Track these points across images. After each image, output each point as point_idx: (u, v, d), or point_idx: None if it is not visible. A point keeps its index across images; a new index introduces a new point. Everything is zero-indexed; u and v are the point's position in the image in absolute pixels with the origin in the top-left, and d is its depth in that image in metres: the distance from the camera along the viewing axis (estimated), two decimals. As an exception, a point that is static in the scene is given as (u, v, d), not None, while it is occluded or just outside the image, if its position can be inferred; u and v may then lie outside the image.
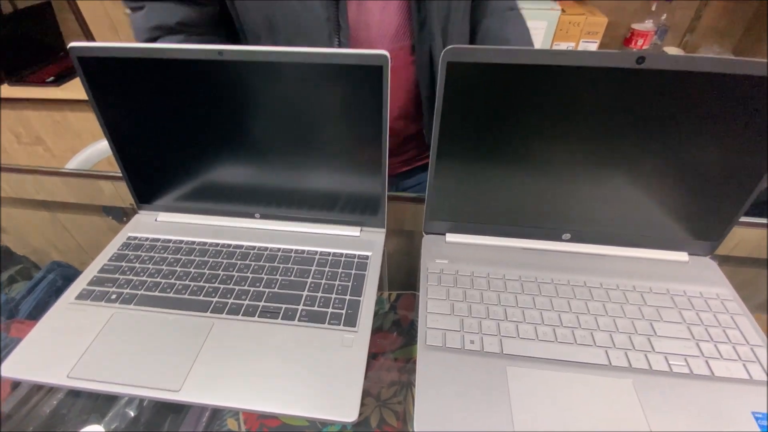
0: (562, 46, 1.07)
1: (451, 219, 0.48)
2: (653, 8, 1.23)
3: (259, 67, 0.39)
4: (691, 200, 0.43)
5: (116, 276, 0.44)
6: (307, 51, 0.37)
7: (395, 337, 0.40)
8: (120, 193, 0.62)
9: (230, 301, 0.41)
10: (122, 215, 0.60)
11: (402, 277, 0.50)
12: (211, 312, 0.40)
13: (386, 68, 0.37)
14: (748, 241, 0.55)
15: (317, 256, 0.46)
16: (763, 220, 0.56)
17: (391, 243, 0.52)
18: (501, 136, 0.41)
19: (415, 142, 0.67)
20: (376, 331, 0.41)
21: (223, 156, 0.46)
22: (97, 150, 0.73)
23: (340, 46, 0.50)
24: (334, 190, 0.47)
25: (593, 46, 1.06)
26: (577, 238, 0.47)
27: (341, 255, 0.46)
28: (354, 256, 0.46)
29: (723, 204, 0.43)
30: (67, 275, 0.49)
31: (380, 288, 0.46)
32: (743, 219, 0.55)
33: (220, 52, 0.38)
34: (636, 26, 1.27)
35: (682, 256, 0.46)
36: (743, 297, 0.42)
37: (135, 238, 0.49)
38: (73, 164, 0.72)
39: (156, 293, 0.42)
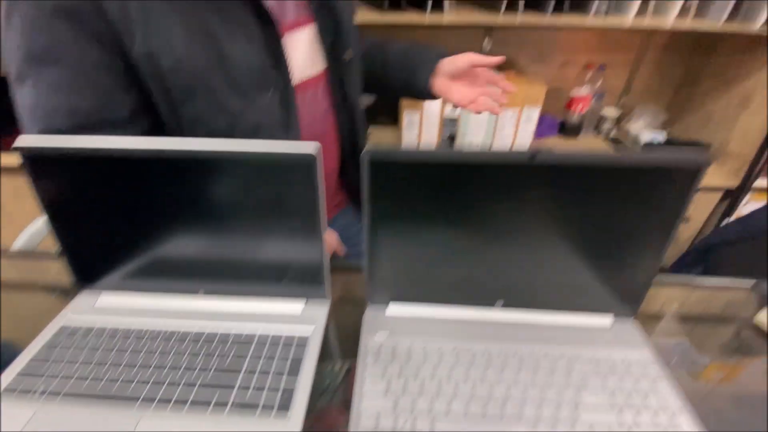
0: (509, 112, 1.17)
1: (390, 291, 0.50)
2: (587, 78, 1.38)
3: (195, 160, 0.41)
4: (607, 268, 0.46)
5: (44, 368, 0.42)
6: (240, 145, 0.40)
7: (345, 415, 0.40)
8: (65, 272, 0.61)
9: (162, 389, 0.40)
10: (66, 295, 0.59)
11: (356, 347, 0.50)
12: (139, 405, 0.39)
13: (316, 161, 0.41)
14: (673, 297, 0.59)
15: (257, 336, 0.46)
16: (680, 278, 0.61)
17: (345, 310, 0.53)
18: (426, 221, 0.44)
19: (336, 184, 0.71)
20: (324, 408, 0.41)
21: (166, 235, 0.47)
22: (41, 228, 0.73)
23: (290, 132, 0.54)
24: (276, 264, 0.49)
25: (535, 112, 1.16)
26: (510, 304, 0.50)
27: (281, 334, 0.46)
28: (294, 335, 0.46)
29: (637, 270, 0.46)
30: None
31: (331, 360, 0.46)
32: (663, 279, 0.60)
33: (157, 147, 0.40)
34: (574, 92, 1.41)
35: (608, 318, 0.49)
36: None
37: (70, 324, 0.48)
38: (21, 240, 0.71)
39: (83, 388, 0.40)
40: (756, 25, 1.06)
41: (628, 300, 0.48)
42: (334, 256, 0.60)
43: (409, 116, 1.16)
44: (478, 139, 1.24)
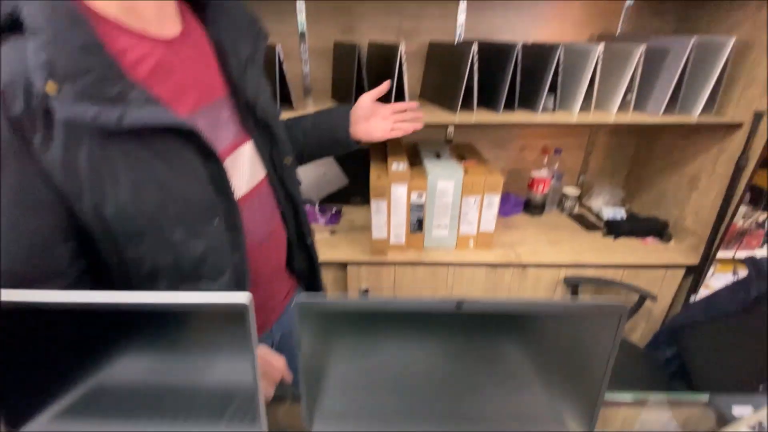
0: (470, 199, 1.22)
1: (328, 420, 0.48)
2: (545, 161, 1.46)
3: (129, 312, 0.41)
4: (555, 394, 0.45)
5: None
6: (175, 297, 0.40)
7: None
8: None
9: None
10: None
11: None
12: None
13: (248, 309, 0.41)
14: (632, 416, 0.57)
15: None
16: (638, 396, 0.59)
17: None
18: (358, 358, 0.44)
19: (285, 273, 0.74)
20: None
21: (99, 380, 0.45)
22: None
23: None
24: (211, 403, 0.47)
25: (496, 198, 1.21)
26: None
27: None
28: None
29: (584, 395, 0.46)
30: None
31: None
32: (613, 399, 0.59)
33: (89, 301, 0.40)
34: (535, 174, 1.48)
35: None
36: None
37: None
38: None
39: None
40: (693, 116, 1.15)
41: (581, 421, 0.47)
42: (281, 384, 0.58)
43: (376, 204, 1.19)
44: (444, 221, 1.27)
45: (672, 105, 1.15)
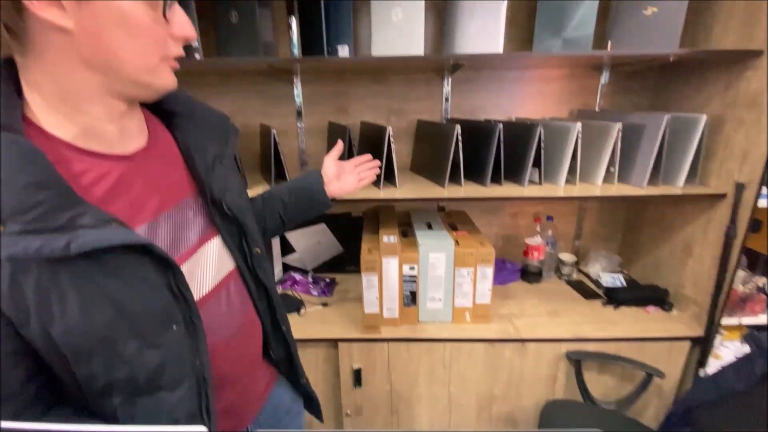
0: (463, 271, 1.21)
1: None
2: (537, 228, 1.47)
3: None
4: None
5: None
6: (123, 429, 0.38)
7: None
8: None
9: None
10: None
11: None
12: None
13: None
14: None
15: None
16: None
17: None
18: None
19: (263, 364, 0.72)
20: None
21: None
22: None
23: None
24: None
25: (489, 270, 1.20)
26: None
27: None
28: None
29: None
30: None
31: None
32: None
33: None
34: (529, 241, 1.48)
35: None
36: None
37: None
38: None
39: None
40: (678, 187, 1.18)
41: None
42: None
43: (367, 278, 1.18)
44: (438, 294, 1.25)
45: (655, 176, 1.18)
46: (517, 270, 1.55)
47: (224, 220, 0.60)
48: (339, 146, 0.93)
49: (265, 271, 0.66)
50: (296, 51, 1.38)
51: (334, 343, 1.23)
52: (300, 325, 1.27)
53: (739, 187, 1.08)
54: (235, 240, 0.62)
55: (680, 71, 1.31)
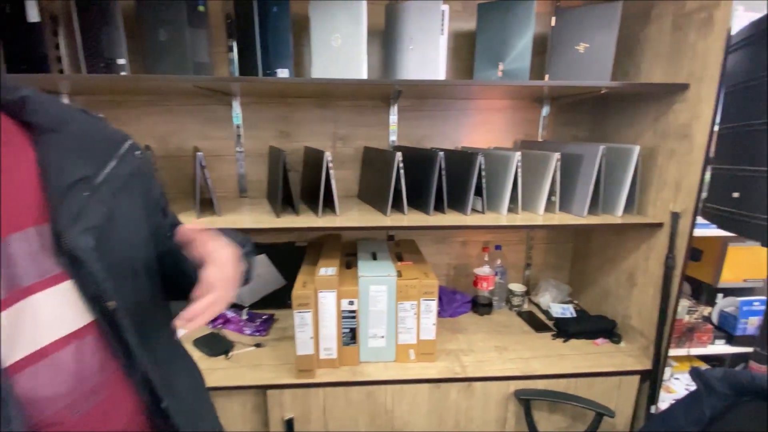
0: (406, 304, 1.13)
1: None
2: (485, 258, 1.43)
3: None
4: None
5: None
6: None
7: None
8: None
9: None
10: None
11: None
12: None
13: None
14: None
15: None
16: None
17: None
18: None
19: None
20: None
21: None
22: None
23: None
24: None
25: (433, 304, 1.13)
26: None
27: None
28: None
29: None
30: None
31: None
32: None
33: None
34: (477, 271, 1.44)
35: None
36: None
37: None
38: None
39: None
40: (617, 216, 1.18)
41: None
42: None
43: (300, 316, 1.07)
44: (380, 330, 1.16)
45: (595, 206, 1.18)
46: (467, 301, 1.49)
47: (74, 261, 0.48)
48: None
49: (129, 329, 0.52)
50: (236, 73, 1.32)
51: (262, 390, 1.09)
52: (226, 371, 1.13)
53: (675, 217, 1.09)
54: (90, 288, 0.50)
55: (615, 104, 1.35)
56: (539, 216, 1.18)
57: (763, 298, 1.34)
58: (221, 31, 1.35)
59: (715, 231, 1.17)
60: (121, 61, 1.19)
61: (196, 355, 1.18)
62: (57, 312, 0.48)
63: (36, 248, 0.47)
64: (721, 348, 1.35)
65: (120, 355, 0.53)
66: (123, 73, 1.18)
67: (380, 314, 1.14)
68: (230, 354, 1.19)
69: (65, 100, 1.36)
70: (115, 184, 0.53)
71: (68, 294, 0.49)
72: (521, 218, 1.16)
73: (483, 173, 1.15)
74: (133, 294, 0.55)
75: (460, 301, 1.48)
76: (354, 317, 1.13)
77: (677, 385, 1.37)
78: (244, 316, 1.36)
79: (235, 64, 1.36)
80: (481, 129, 1.48)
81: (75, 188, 0.49)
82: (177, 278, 0.65)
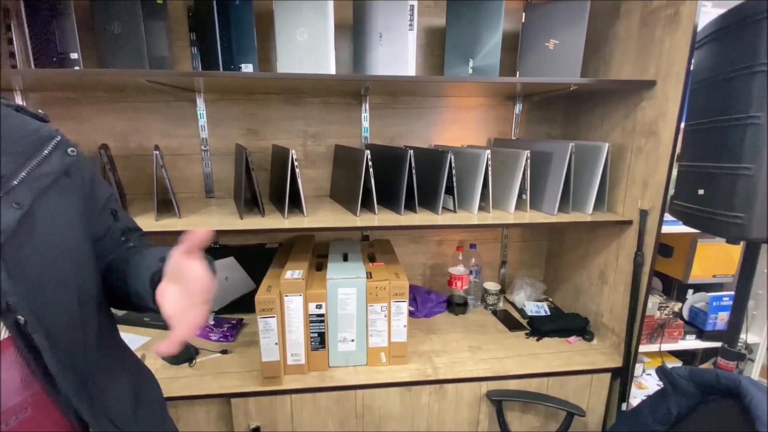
0: (376, 307, 1.10)
1: None
2: (459, 257, 1.41)
3: None
4: None
5: None
6: None
7: None
8: None
9: None
10: None
11: None
12: None
13: None
14: None
15: None
16: None
17: None
18: None
19: None
20: None
21: None
22: None
23: None
24: None
25: (404, 305, 1.11)
26: None
27: None
28: None
29: None
30: None
31: None
32: None
33: None
34: (452, 270, 1.42)
35: None
36: None
37: None
38: None
39: None
40: (587, 214, 1.17)
41: None
42: None
43: (264, 322, 1.03)
44: (350, 334, 1.13)
45: (566, 204, 1.17)
46: (443, 301, 1.47)
47: None
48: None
49: (47, 348, 0.47)
50: (199, 68, 1.27)
51: (226, 399, 1.05)
52: (189, 379, 1.08)
53: (643, 214, 1.09)
54: (2, 301, 0.45)
55: (586, 101, 1.35)
56: (510, 215, 1.16)
57: (732, 293, 1.36)
58: (183, 25, 1.30)
59: (685, 227, 1.17)
60: (74, 56, 1.13)
61: (158, 363, 1.13)
62: None
63: None
64: (691, 343, 1.37)
65: (40, 374, 0.48)
66: (75, 68, 1.12)
67: (350, 317, 1.11)
68: (194, 362, 1.15)
69: (18, 99, 1.28)
70: (38, 184, 0.48)
71: None
72: (492, 217, 1.14)
73: (453, 172, 1.13)
74: (53, 307, 0.49)
75: (435, 301, 1.46)
76: (322, 321, 1.10)
77: (649, 381, 1.38)
78: (211, 321, 1.32)
79: (198, 59, 1.31)
80: (455, 127, 1.46)
81: None
82: (125, 288, 0.59)
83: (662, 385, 0.90)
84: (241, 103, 1.36)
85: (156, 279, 0.53)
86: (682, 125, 1.01)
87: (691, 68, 0.96)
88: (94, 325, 0.57)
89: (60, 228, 0.52)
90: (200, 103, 1.33)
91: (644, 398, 0.99)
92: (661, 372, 0.86)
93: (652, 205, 1.07)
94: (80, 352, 0.53)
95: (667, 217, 1.06)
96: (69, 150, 0.53)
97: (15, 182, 0.47)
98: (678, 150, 1.02)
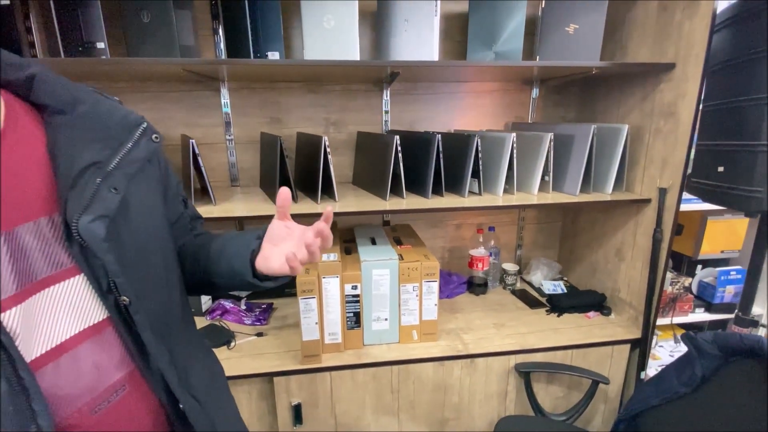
0: (408, 287, 1.15)
1: None
2: (480, 239, 1.46)
3: None
4: None
5: None
6: None
7: None
8: None
9: None
10: None
11: None
12: None
13: None
14: None
15: None
16: None
17: None
18: None
19: None
20: None
21: None
22: None
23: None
24: None
25: (435, 285, 1.15)
26: None
27: None
28: None
29: None
30: None
31: None
32: None
33: None
34: (472, 252, 1.46)
35: None
36: None
37: None
38: None
39: None
40: (607, 194, 1.22)
41: None
42: None
43: (305, 302, 1.07)
44: (384, 313, 1.17)
45: (586, 184, 1.22)
46: (463, 282, 1.52)
47: (85, 252, 0.46)
48: (283, 197, 0.59)
49: (144, 326, 0.50)
50: (223, 57, 1.28)
51: (268, 378, 1.09)
52: (229, 361, 1.12)
53: (662, 192, 1.14)
54: (103, 282, 0.47)
55: (602, 85, 1.38)
56: (533, 196, 1.21)
57: (739, 267, 1.42)
58: (204, 13, 1.30)
59: (694, 206, 1.23)
60: (101, 45, 1.13)
61: (197, 347, 1.16)
62: (73, 306, 0.46)
63: (48, 240, 0.45)
64: (700, 316, 1.44)
65: (136, 353, 0.51)
66: (103, 58, 1.13)
67: (383, 297, 1.15)
68: (232, 344, 1.18)
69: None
70: (129, 169, 0.50)
71: (83, 287, 0.47)
72: (517, 198, 1.19)
73: (480, 155, 1.16)
74: (148, 289, 0.52)
75: (456, 282, 1.51)
76: (357, 301, 1.14)
77: (661, 352, 1.45)
78: (243, 306, 1.35)
79: (220, 48, 1.32)
80: (473, 112, 1.49)
81: (86, 174, 0.46)
82: (195, 273, 0.64)
83: (676, 355, 0.96)
84: (263, 92, 1.37)
85: (255, 256, 0.59)
86: (700, 106, 1.06)
87: (710, 50, 1.00)
88: (178, 305, 0.60)
89: (148, 213, 0.54)
90: (224, 92, 1.34)
91: (660, 367, 1.06)
92: (687, 338, 0.92)
93: (670, 183, 1.12)
94: (168, 331, 0.55)
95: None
96: (153, 136, 0.54)
97: (111, 167, 0.49)
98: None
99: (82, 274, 0.46)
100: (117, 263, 0.47)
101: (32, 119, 0.47)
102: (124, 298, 0.48)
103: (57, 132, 0.47)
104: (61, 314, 0.45)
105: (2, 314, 0.40)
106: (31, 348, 0.42)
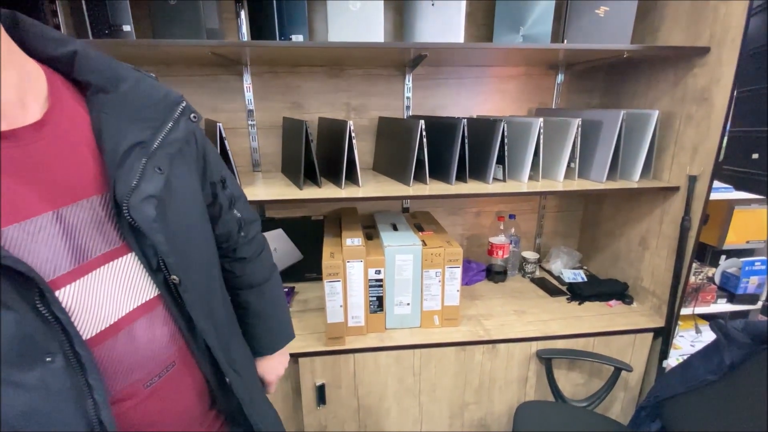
0: (431, 273, 1.15)
1: None
2: (500, 227, 1.45)
3: None
4: None
5: None
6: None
7: None
8: None
9: None
10: None
11: None
12: None
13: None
14: None
15: None
16: None
17: None
18: None
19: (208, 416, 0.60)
20: None
21: None
22: None
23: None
24: None
25: (457, 271, 1.15)
26: None
27: None
28: None
29: None
30: None
31: None
32: None
33: None
34: (493, 240, 1.46)
35: None
36: None
37: None
38: None
39: None
40: (634, 181, 1.20)
41: None
42: None
43: (330, 285, 1.08)
44: (406, 298, 1.18)
45: (613, 171, 1.20)
46: (482, 270, 1.52)
47: (136, 232, 0.46)
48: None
49: (192, 304, 0.51)
50: (246, 38, 1.27)
51: (294, 358, 1.11)
52: (255, 341, 1.14)
53: (692, 180, 1.12)
54: (153, 261, 0.48)
55: (630, 69, 1.35)
56: (559, 183, 1.20)
57: (763, 258, 1.40)
58: (228, -3, 1.29)
59: (722, 194, 1.21)
60: (127, 28, 1.13)
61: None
62: (127, 283, 0.47)
63: (101, 218, 0.45)
64: (723, 307, 1.42)
65: (184, 329, 0.52)
66: (131, 39, 1.13)
67: (406, 282, 1.16)
68: (257, 326, 1.20)
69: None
70: (171, 149, 0.50)
71: (134, 265, 0.48)
72: (542, 185, 1.18)
73: (505, 141, 1.15)
74: (194, 268, 0.53)
75: (476, 269, 1.51)
76: (381, 286, 1.15)
77: (682, 342, 1.44)
78: (265, 290, 1.37)
79: (242, 31, 1.31)
80: (496, 98, 1.47)
81: (132, 154, 0.46)
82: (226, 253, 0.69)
83: (697, 346, 0.95)
84: (284, 77, 1.37)
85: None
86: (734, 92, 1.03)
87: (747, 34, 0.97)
88: (218, 284, 0.61)
89: (189, 193, 0.54)
90: (247, 76, 1.34)
91: (681, 357, 1.05)
92: (716, 326, 0.92)
93: (701, 171, 1.10)
94: (211, 309, 0.57)
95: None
96: (192, 116, 0.54)
97: (154, 147, 0.48)
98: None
99: (133, 253, 0.47)
100: (167, 243, 0.48)
101: (74, 96, 0.47)
102: (174, 277, 0.49)
103: (101, 110, 0.47)
104: (117, 291, 0.46)
105: (58, 291, 0.41)
106: (89, 325, 0.44)
